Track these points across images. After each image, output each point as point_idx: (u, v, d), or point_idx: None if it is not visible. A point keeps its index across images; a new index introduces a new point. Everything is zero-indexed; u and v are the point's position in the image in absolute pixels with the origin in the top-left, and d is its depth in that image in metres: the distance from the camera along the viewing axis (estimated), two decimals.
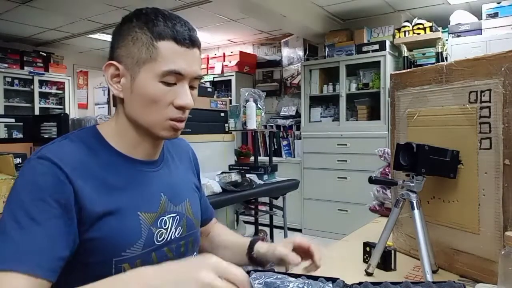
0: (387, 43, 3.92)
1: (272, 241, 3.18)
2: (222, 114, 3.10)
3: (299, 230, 4.44)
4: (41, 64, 5.60)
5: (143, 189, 0.79)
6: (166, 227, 0.80)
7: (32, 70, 5.44)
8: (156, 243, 0.78)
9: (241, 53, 5.33)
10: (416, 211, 0.93)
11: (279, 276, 0.73)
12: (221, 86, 5.34)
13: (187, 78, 0.76)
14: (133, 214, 0.75)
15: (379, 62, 3.92)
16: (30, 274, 0.60)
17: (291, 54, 5.19)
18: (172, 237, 0.82)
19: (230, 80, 5.20)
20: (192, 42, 0.75)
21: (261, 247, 0.92)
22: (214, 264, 0.54)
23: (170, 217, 0.82)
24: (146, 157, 0.82)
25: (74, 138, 0.76)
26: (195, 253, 0.90)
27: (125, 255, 0.73)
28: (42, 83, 5.61)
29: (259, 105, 3.04)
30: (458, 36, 3.71)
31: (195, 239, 0.90)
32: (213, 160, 2.93)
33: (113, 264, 0.72)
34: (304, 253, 0.87)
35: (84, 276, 0.67)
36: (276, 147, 4.82)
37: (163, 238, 0.79)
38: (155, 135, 0.78)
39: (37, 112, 5.46)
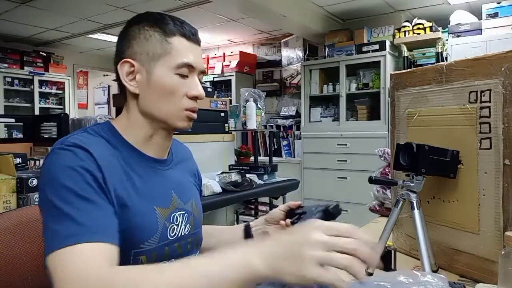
0: (387, 43, 3.92)
1: None
2: (222, 114, 3.10)
3: None
4: (41, 64, 5.60)
5: (157, 184, 0.81)
6: (177, 223, 0.83)
7: (32, 70, 5.44)
8: (169, 238, 0.80)
9: (241, 53, 5.33)
10: (416, 211, 0.93)
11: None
12: (221, 86, 5.34)
13: (196, 71, 0.82)
14: (150, 208, 0.77)
15: (379, 62, 3.92)
16: (101, 242, 0.62)
17: (291, 54, 5.19)
18: (182, 234, 0.84)
19: (230, 80, 5.20)
20: (197, 39, 0.84)
21: (255, 224, 0.98)
22: (321, 227, 0.55)
23: (180, 214, 0.84)
24: (157, 155, 0.85)
25: (93, 132, 0.79)
26: (198, 251, 0.91)
27: (143, 247, 0.75)
28: (42, 83, 5.61)
29: (259, 105, 3.04)
30: (458, 36, 3.71)
31: (200, 237, 0.92)
32: (213, 160, 2.93)
33: (131, 255, 0.74)
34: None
35: None
36: (276, 147, 4.82)
37: (175, 234, 0.82)
38: (171, 126, 0.82)
39: (37, 112, 5.47)
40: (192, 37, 0.82)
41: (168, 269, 0.57)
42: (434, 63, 2.43)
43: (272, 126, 4.87)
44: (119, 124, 0.82)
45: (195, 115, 0.83)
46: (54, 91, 5.81)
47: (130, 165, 0.78)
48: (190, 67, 0.80)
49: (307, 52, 4.81)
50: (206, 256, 0.59)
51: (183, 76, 0.80)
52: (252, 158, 3.37)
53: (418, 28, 3.89)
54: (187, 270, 0.56)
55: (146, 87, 0.79)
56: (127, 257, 0.73)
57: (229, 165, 3.10)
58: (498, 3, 3.58)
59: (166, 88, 0.79)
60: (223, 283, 0.54)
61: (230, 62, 5.29)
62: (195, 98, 0.82)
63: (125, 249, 0.72)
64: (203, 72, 0.86)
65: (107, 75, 6.76)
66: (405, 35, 3.97)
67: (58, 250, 0.60)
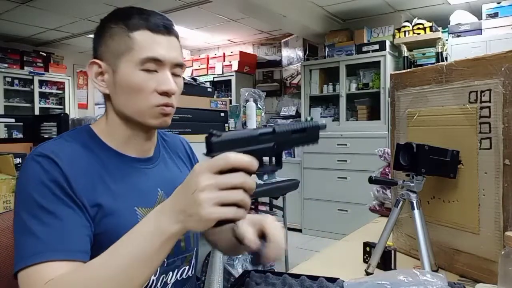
0: (387, 43, 3.92)
1: None
2: (222, 114, 3.09)
3: (299, 230, 4.44)
4: (41, 64, 5.60)
5: (138, 185, 0.79)
6: None
7: (32, 70, 5.44)
8: None
9: (241, 53, 5.33)
10: (416, 211, 0.93)
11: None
12: (221, 86, 5.34)
13: (167, 64, 0.76)
14: (130, 209, 0.76)
15: (379, 62, 3.92)
16: (64, 260, 0.63)
17: (291, 54, 5.19)
18: None
19: (230, 80, 5.20)
20: (167, 30, 0.77)
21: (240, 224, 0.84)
22: (205, 169, 0.54)
23: None
24: (139, 154, 0.83)
25: (68, 138, 0.78)
26: (196, 248, 0.89)
27: None
28: (42, 83, 5.61)
29: (259, 105, 3.04)
30: (458, 36, 3.71)
31: (196, 233, 0.89)
32: None
33: None
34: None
35: None
36: None
37: None
38: (145, 125, 0.78)
39: (37, 112, 5.47)
40: (159, 29, 0.76)
41: (96, 263, 0.61)
42: (434, 63, 2.43)
43: None
44: (98, 127, 0.81)
45: (168, 110, 0.78)
46: (54, 91, 5.81)
47: (107, 168, 0.76)
48: (157, 61, 0.75)
49: (307, 52, 4.81)
50: (126, 235, 0.61)
51: (151, 71, 0.75)
52: None
53: (418, 28, 3.89)
54: (113, 259, 0.59)
55: (113, 87, 0.77)
56: None
57: None
58: (498, 3, 3.59)
59: (132, 86, 0.75)
60: (148, 256, 0.58)
61: (230, 62, 5.29)
62: (165, 93, 0.76)
63: None
64: (180, 65, 0.79)
65: None
66: (405, 35, 3.97)
67: (23, 269, 0.63)
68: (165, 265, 0.80)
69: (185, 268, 0.85)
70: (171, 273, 0.81)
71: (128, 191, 0.77)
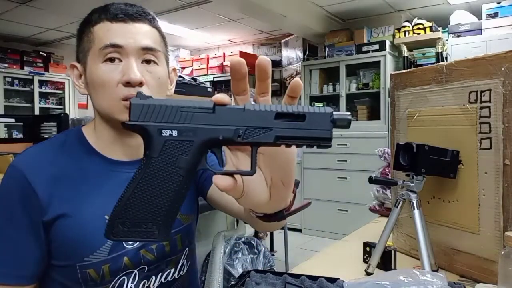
0: (387, 43, 3.92)
1: (272, 241, 3.17)
2: None
3: (299, 230, 4.44)
4: (41, 64, 5.60)
5: (117, 190, 0.74)
6: None
7: (32, 70, 5.44)
8: (127, 247, 0.75)
9: (241, 53, 5.33)
10: (416, 211, 0.93)
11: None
12: (221, 86, 5.34)
13: (130, 51, 0.72)
14: (99, 218, 0.72)
15: (379, 62, 3.93)
16: (5, 284, 0.65)
17: (291, 54, 5.19)
18: None
19: (230, 80, 5.20)
20: (128, 16, 0.73)
21: None
22: None
23: None
24: (129, 156, 0.79)
25: (56, 141, 0.78)
26: (187, 248, 0.86)
27: (88, 260, 0.71)
28: (42, 83, 5.61)
29: None
30: (458, 36, 3.71)
31: (185, 234, 0.85)
32: None
33: (77, 268, 0.71)
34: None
35: (51, 279, 0.71)
36: None
37: (134, 241, 0.76)
38: (117, 121, 0.73)
39: (37, 112, 5.47)
40: (118, 17, 0.72)
41: None
42: (434, 63, 2.43)
43: None
44: (88, 129, 0.80)
45: None
46: (54, 91, 5.81)
47: (87, 174, 0.74)
48: (117, 47, 0.71)
49: (307, 52, 4.81)
50: None
51: (115, 62, 0.71)
52: None
53: (418, 28, 3.90)
54: None
55: (87, 86, 0.76)
56: (73, 271, 0.71)
57: None
58: (498, 3, 3.59)
59: (96, 80, 0.72)
60: None
61: (230, 62, 5.28)
62: (128, 83, 0.71)
63: (69, 263, 0.71)
64: (149, 50, 0.74)
65: None
66: (405, 35, 3.97)
67: None
68: (145, 271, 0.78)
69: (170, 271, 0.82)
70: (154, 277, 0.79)
71: (103, 199, 0.73)
